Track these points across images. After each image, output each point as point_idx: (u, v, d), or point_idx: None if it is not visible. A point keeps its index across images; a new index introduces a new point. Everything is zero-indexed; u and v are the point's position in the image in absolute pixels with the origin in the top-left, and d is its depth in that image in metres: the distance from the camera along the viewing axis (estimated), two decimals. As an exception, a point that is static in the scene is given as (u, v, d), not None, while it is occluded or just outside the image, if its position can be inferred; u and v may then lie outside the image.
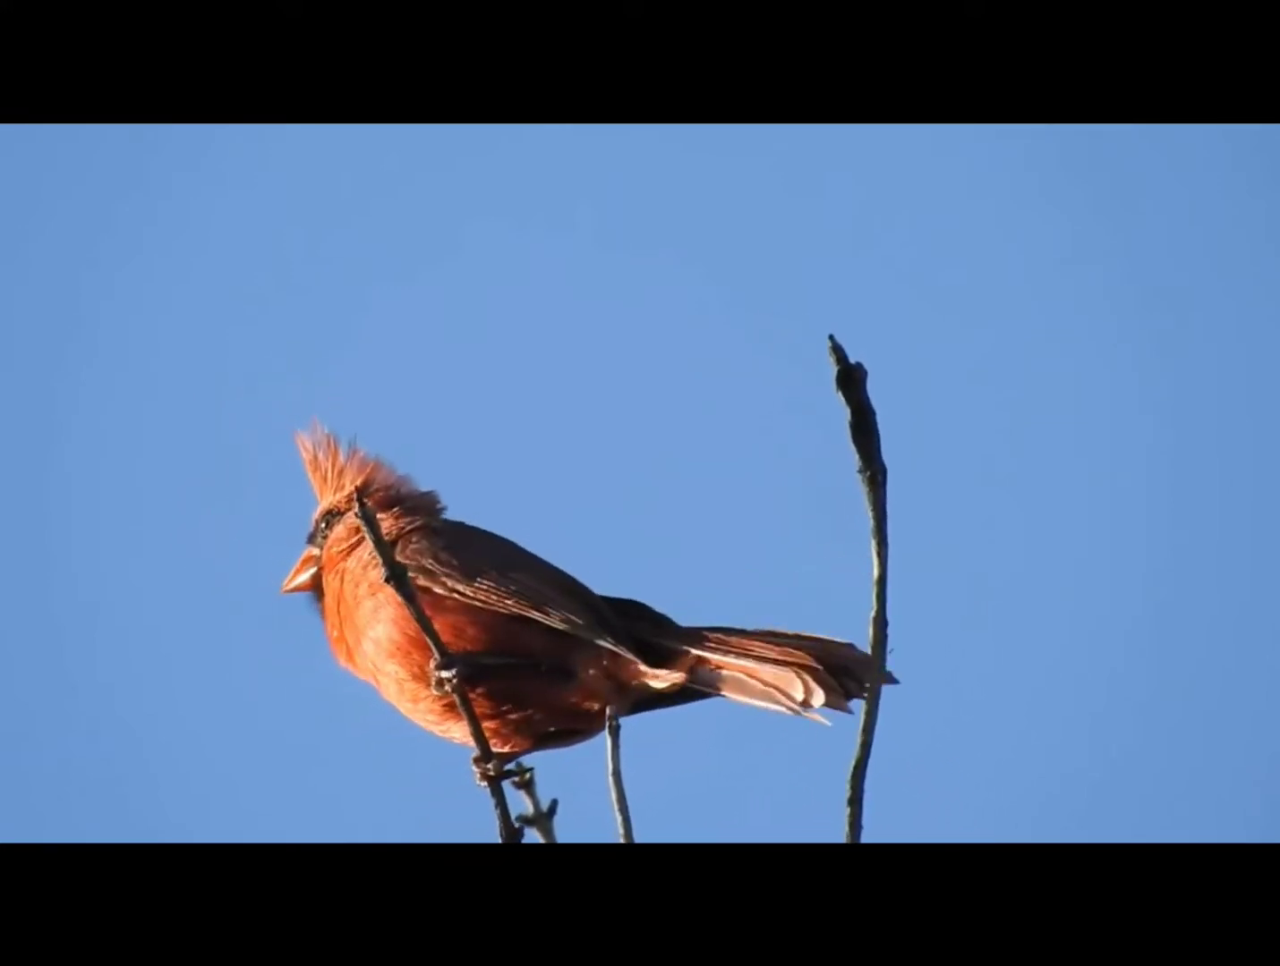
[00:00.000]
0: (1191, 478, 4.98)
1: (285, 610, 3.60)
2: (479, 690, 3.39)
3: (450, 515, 3.58)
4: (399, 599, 3.34)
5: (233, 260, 5.22)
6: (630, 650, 3.38)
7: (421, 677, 3.41)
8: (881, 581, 3.04)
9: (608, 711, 3.29)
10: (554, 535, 3.57)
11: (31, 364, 5.11)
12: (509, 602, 3.40)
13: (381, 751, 3.56)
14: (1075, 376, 5.12)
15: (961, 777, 4.38)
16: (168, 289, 5.18)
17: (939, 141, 5.02)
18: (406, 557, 3.42)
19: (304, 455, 3.61)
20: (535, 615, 3.39)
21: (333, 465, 3.60)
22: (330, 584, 3.54)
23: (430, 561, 3.44)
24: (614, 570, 3.53)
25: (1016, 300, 5.19)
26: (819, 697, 3.30)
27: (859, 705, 3.18)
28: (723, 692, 3.37)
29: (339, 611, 3.51)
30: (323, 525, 3.58)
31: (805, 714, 3.31)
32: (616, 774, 3.22)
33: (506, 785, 3.40)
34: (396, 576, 3.29)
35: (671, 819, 3.30)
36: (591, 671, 3.41)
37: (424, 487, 3.61)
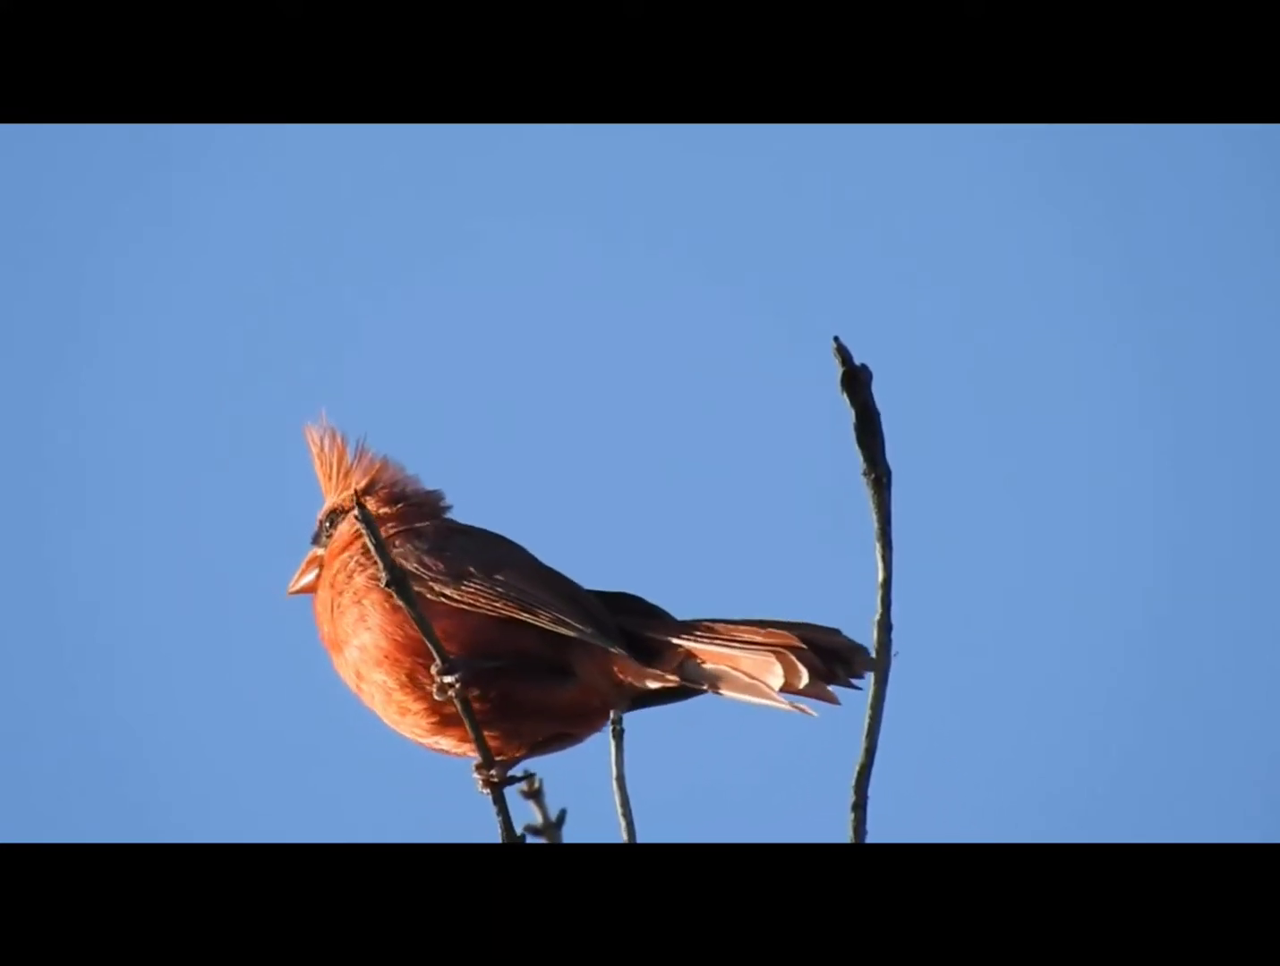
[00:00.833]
0: (1195, 480, 4.98)
1: (286, 610, 3.59)
2: (477, 694, 3.35)
3: (457, 512, 3.56)
4: (388, 605, 3.31)
5: (232, 261, 5.22)
6: (623, 647, 3.36)
7: (410, 685, 3.37)
8: (886, 584, 3.04)
9: (611, 715, 3.25)
10: (556, 534, 3.57)
11: (32, 365, 5.11)
12: (498, 604, 3.36)
13: (382, 752, 3.55)
14: (1080, 379, 5.12)
15: (966, 779, 4.38)
16: (168, 290, 5.18)
17: (939, 141, 5.02)
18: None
19: (311, 448, 3.58)
20: (525, 617, 3.35)
21: (338, 462, 3.56)
22: (323, 586, 3.52)
23: (416, 564, 3.41)
24: (617, 570, 3.52)
25: (1020, 302, 5.19)
26: (803, 678, 3.24)
27: (862, 699, 3.15)
28: (710, 689, 3.33)
29: (330, 616, 3.48)
30: (327, 524, 3.55)
31: (789, 706, 3.25)
32: (620, 778, 3.19)
33: (515, 794, 3.37)
34: (396, 580, 3.25)
35: (674, 822, 3.29)
36: (589, 670, 3.38)
37: (429, 487, 3.58)
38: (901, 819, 3.20)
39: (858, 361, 2.99)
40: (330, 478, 3.56)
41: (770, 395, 5.04)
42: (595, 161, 5.19)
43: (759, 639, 3.29)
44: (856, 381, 2.98)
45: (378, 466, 3.55)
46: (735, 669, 3.30)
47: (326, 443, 3.56)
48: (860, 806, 3.04)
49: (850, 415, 3.00)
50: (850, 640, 3.25)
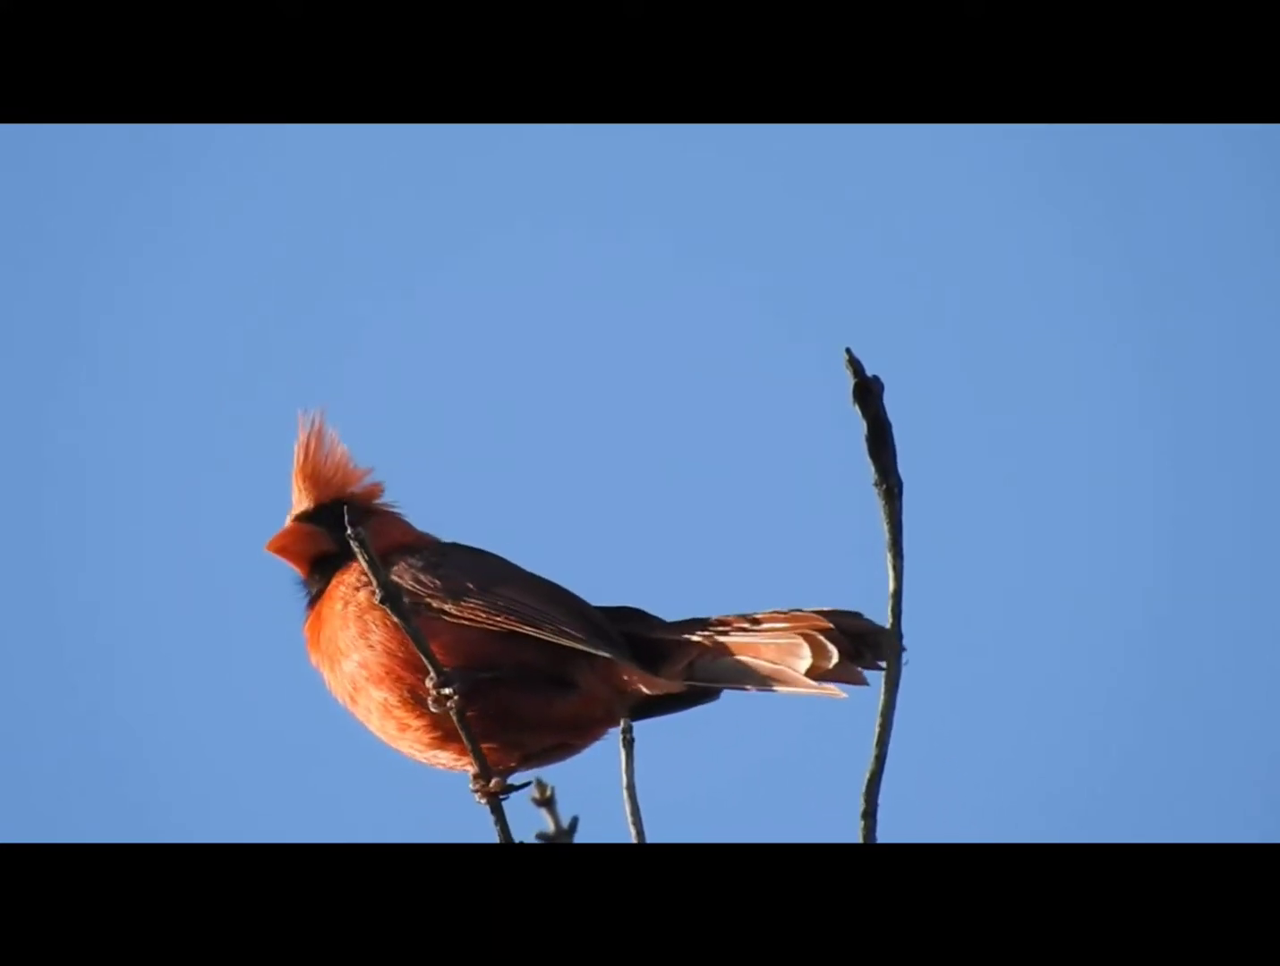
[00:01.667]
0: (1195, 480, 4.98)
1: (286, 610, 3.60)
2: (477, 706, 3.34)
3: (457, 513, 3.56)
4: (390, 622, 3.29)
5: (232, 261, 5.22)
6: (627, 656, 3.35)
7: (410, 702, 3.37)
8: (897, 595, 3.02)
9: (622, 723, 3.22)
10: (556, 534, 3.57)
11: (32, 365, 5.11)
12: (499, 619, 3.35)
13: (382, 753, 3.55)
14: (1080, 379, 5.12)
15: (976, 785, 4.38)
16: (169, 290, 5.17)
17: (939, 141, 5.02)
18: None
19: (299, 437, 3.56)
20: (527, 630, 3.34)
21: (318, 464, 3.54)
22: (326, 599, 3.50)
23: (412, 582, 3.40)
24: (625, 581, 3.53)
25: (1021, 302, 5.18)
26: (833, 658, 3.23)
27: (872, 706, 3.13)
28: (728, 684, 3.31)
29: (320, 624, 3.48)
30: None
31: (817, 688, 3.23)
32: (631, 787, 3.18)
33: (527, 801, 3.35)
34: (391, 596, 3.24)
35: (683, 829, 3.28)
36: (591, 680, 3.37)
37: (395, 504, 3.57)
38: (907, 821, 3.20)
39: (869, 372, 2.98)
40: (306, 477, 3.54)
41: (773, 397, 5.04)
42: (595, 161, 5.19)
43: (783, 623, 3.28)
44: (869, 393, 2.97)
45: (351, 473, 3.55)
46: (757, 658, 3.29)
47: (313, 440, 3.54)
48: (870, 814, 3.03)
49: (862, 426, 2.99)
50: (872, 622, 3.25)
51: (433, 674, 3.31)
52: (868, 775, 3.05)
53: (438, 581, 3.39)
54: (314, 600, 3.52)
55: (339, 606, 3.45)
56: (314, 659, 3.49)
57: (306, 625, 3.51)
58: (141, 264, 5.19)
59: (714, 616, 3.35)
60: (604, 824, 3.12)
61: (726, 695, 3.39)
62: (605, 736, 3.44)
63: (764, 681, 3.29)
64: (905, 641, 3.02)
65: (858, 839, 3.03)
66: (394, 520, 3.56)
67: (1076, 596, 4.86)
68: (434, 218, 5.25)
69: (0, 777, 4.61)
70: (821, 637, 3.24)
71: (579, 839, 2.72)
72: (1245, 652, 4.75)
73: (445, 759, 3.40)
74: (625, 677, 3.35)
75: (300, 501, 3.55)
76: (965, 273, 5.19)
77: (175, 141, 5.01)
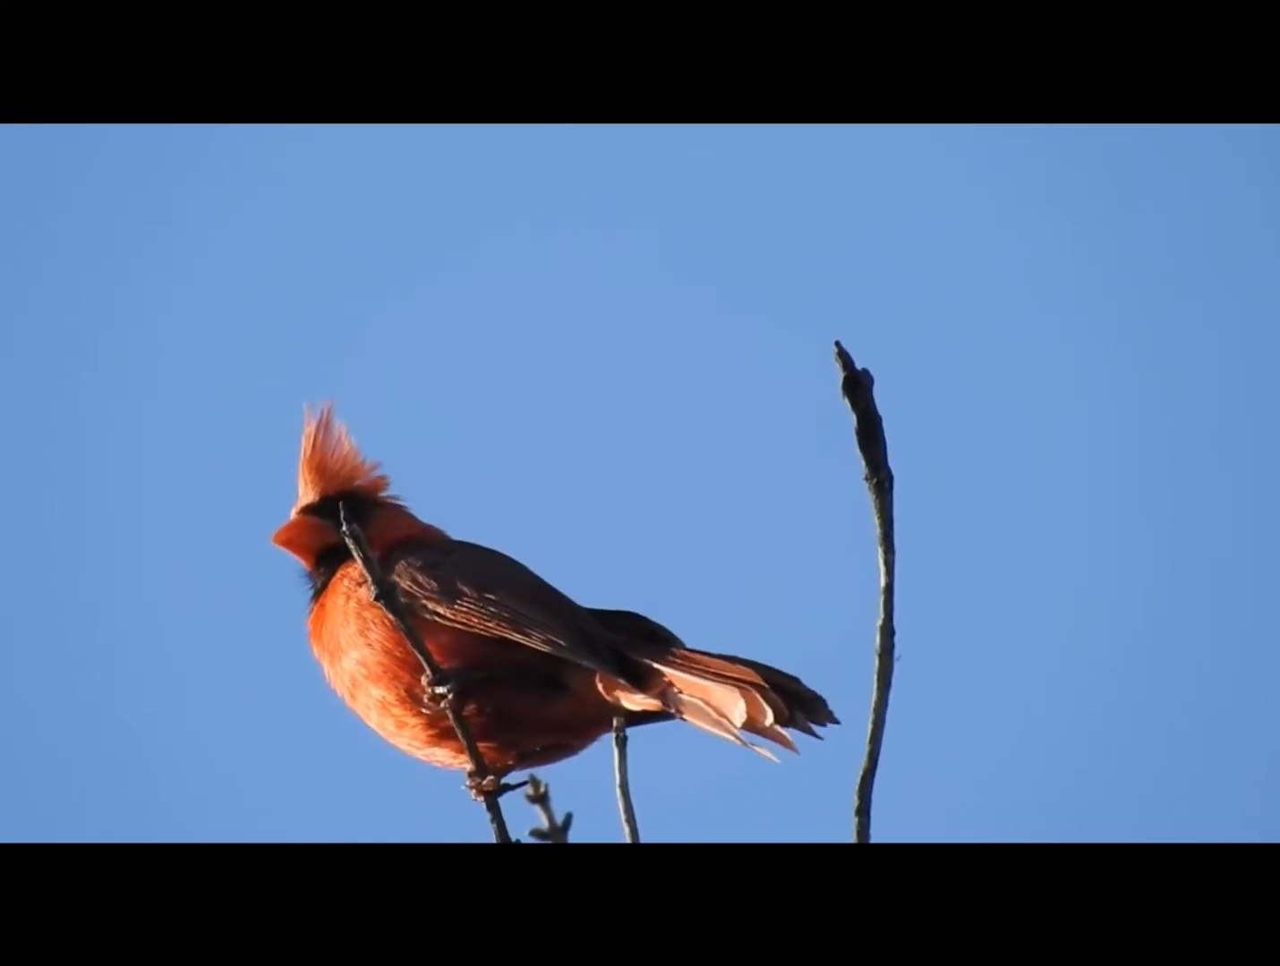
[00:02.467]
0: (1195, 480, 4.98)
1: (286, 610, 3.60)
2: (471, 706, 3.35)
3: (458, 512, 3.56)
4: (389, 621, 3.30)
5: (232, 261, 5.22)
6: (612, 669, 3.34)
7: (408, 701, 3.38)
8: (889, 589, 3.02)
9: (615, 722, 3.23)
10: (556, 534, 3.57)
11: (32, 366, 5.11)
12: (490, 624, 3.35)
13: (382, 753, 3.55)
14: (1080, 379, 5.12)
15: (967, 780, 4.38)
16: (169, 290, 5.18)
17: (939, 141, 5.02)
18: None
19: (306, 429, 3.56)
20: (516, 637, 3.34)
21: (324, 456, 3.55)
22: (329, 594, 3.51)
23: (409, 583, 3.41)
24: (617, 580, 3.53)
25: (1021, 302, 5.19)
26: (768, 717, 3.21)
27: (864, 703, 3.12)
28: (684, 717, 3.30)
29: (323, 617, 3.48)
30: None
31: (746, 744, 3.22)
32: (624, 785, 3.18)
33: (522, 799, 3.35)
34: (385, 593, 3.24)
35: (676, 828, 3.28)
36: (581, 685, 3.37)
37: (401, 500, 3.57)
38: (903, 820, 3.20)
39: (859, 365, 2.98)
40: (313, 469, 3.54)
41: (771, 397, 5.04)
42: (594, 161, 5.19)
43: (727, 673, 3.27)
44: (858, 386, 2.97)
45: (359, 467, 3.55)
46: (705, 700, 3.27)
47: (321, 433, 3.54)
48: (864, 811, 3.03)
49: (852, 420, 2.99)
50: (810, 689, 3.25)
51: (428, 672, 3.31)
52: (861, 772, 3.05)
53: (435, 583, 3.39)
54: (319, 593, 3.53)
55: (341, 601, 3.46)
56: (316, 651, 3.50)
57: (310, 617, 3.52)
58: (141, 263, 5.20)
59: (681, 649, 3.34)
60: (598, 822, 3.13)
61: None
62: (601, 738, 3.44)
63: (704, 724, 3.28)
64: (897, 637, 3.03)
65: (851, 837, 3.03)
66: (400, 513, 3.57)
67: (1072, 593, 4.87)
68: (434, 218, 5.25)
69: (0, 777, 4.61)
70: (757, 695, 3.23)
71: (572, 837, 2.73)
72: (1245, 652, 4.76)
73: (442, 755, 3.41)
74: (608, 689, 3.35)
75: (306, 493, 3.56)
76: (965, 272, 5.20)
77: (175, 141, 5.01)
